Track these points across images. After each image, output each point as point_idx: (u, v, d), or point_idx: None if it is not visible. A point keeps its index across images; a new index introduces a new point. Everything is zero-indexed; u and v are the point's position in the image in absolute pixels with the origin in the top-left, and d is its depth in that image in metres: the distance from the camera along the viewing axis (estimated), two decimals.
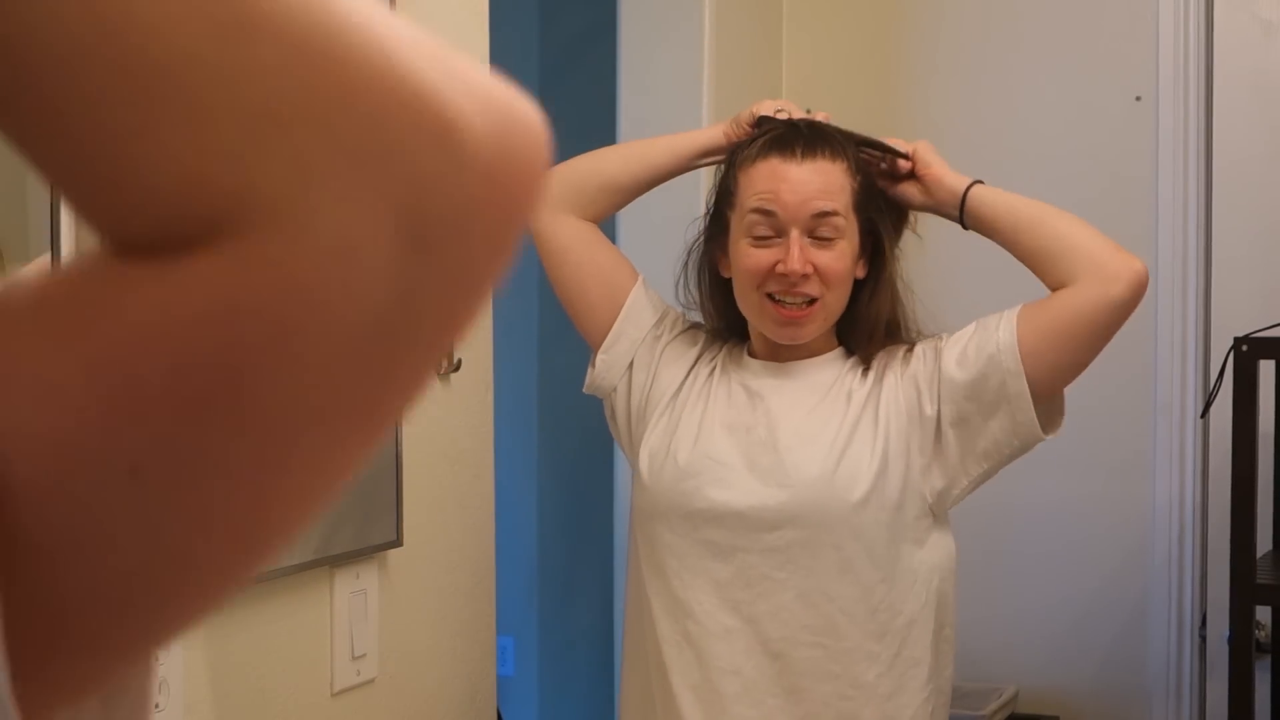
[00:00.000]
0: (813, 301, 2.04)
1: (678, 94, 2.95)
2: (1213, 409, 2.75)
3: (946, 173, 2.13)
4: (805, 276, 2.02)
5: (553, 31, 4.00)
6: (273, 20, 0.45)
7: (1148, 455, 3.04)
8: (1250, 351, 2.58)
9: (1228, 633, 2.58)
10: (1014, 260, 2.11)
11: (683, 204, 2.50)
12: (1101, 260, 2.02)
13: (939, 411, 2.04)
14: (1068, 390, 2.10)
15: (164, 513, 0.46)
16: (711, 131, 2.20)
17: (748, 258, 2.05)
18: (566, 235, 2.16)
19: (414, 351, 0.49)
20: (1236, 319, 2.85)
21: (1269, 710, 2.81)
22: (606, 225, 2.27)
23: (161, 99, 0.44)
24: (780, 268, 2.02)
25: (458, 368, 2.19)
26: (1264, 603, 2.66)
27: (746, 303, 2.09)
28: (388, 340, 0.47)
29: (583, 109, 3.77)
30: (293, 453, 0.48)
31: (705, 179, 2.65)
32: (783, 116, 2.12)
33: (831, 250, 2.03)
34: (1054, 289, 2.04)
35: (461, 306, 0.49)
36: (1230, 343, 2.60)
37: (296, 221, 0.45)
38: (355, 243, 0.46)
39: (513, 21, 3.73)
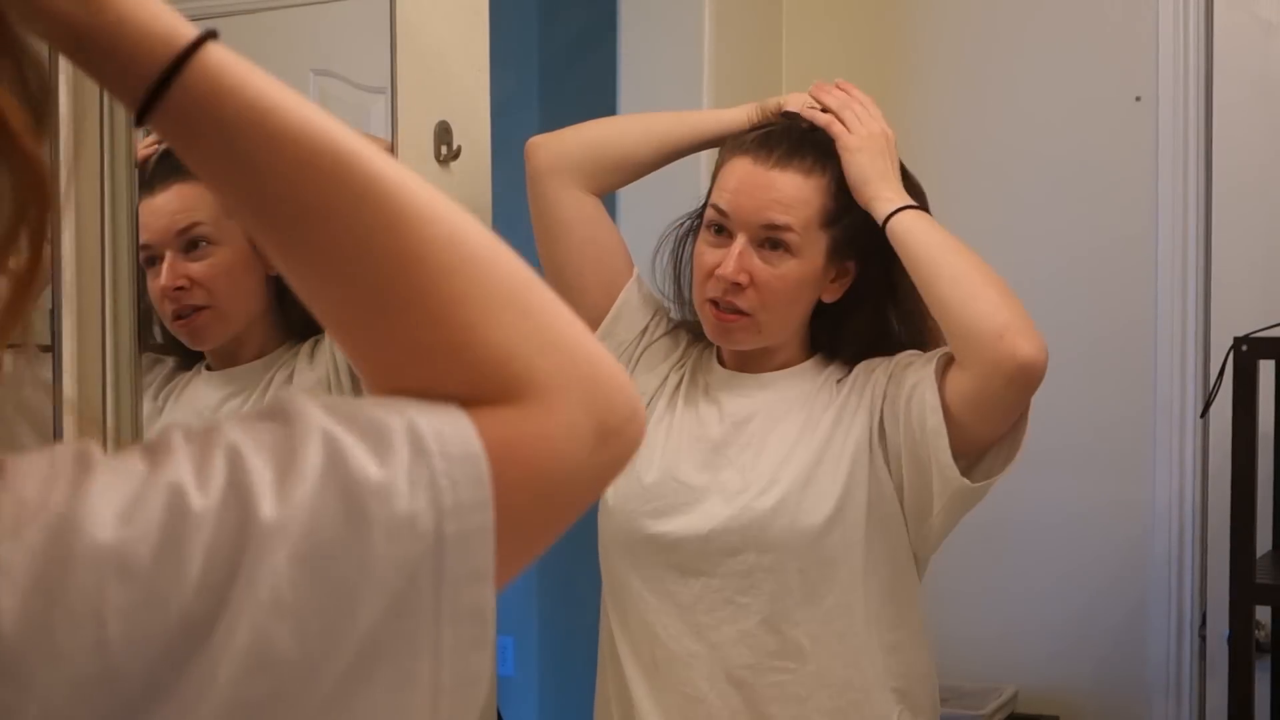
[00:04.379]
0: (745, 314, 1.97)
1: (678, 94, 2.95)
2: (1213, 409, 2.75)
3: (875, 192, 1.97)
4: (739, 286, 1.95)
5: (553, 31, 3.99)
6: (541, 284, 0.79)
7: (1148, 455, 3.04)
8: (1250, 351, 2.57)
9: (1227, 632, 2.58)
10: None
11: (687, 189, 2.48)
12: (981, 349, 1.87)
13: (900, 442, 1.96)
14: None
15: None
16: (737, 115, 2.10)
17: (698, 255, 2.01)
18: (572, 209, 2.07)
19: (577, 503, 0.80)
20: (1236, 319, 2.85)
21: (1269, 710, 2.81)
22: (608, 206, 2.22)
23: (492, 316, 0.76)
24: (717, 270, 1.96)
25: None
26: (1264, 603, 2.66)
27: (697, 303, 2.03)
28: (573, 490, 0.78)
29: (583, 109, 3.76)
30: (505, 542, 0.75)
31: (707, 163, 2.64)
32: (823, 105, 2.05)
33: (776, 266, 1.95)
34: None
35: (604, 484, 0.81)
36: (1230, 343, 2.60)
37: (553, 406, 0.76)
38: (577, 427, 0.77)
39: (513, 21, 3.73)
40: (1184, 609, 3.02)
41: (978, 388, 1.89)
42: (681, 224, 2.12)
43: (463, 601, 0.72)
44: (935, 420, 1.91)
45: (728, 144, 2.05)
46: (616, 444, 0.79)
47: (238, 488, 0.69)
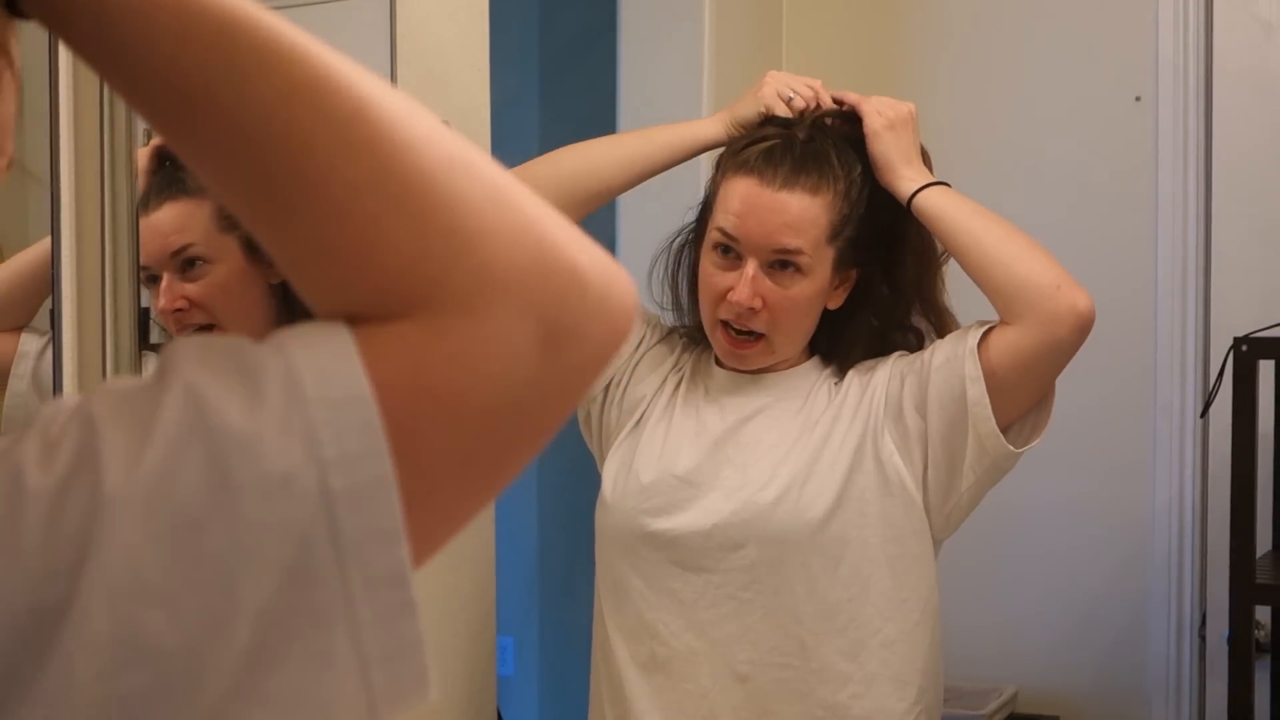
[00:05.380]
0: (759, 336, 1.99)
1: (678, 94, 2.95)
2: (1212, 409, 2.75)
3: (899, 173, 2.02)
4: (753, 310, 1.97)
5: (553, 31, 3.99)
6: (480, 163, 0.66)
7: (1148, 455, 3.04)
8: (1250, 351, 2.57)
9: (1227, 633, 2.58)
10: None
11: (687, 190, 2.48)
12: (1041, 302, 1.92)
13: (925, 424, 1.98)
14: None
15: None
16: (712, 127, 2.11)
17: (708, 278, 2.01)
18: None
19: (531, 425, 0.67)
20: (1236, 319, 2.85)
21: (1269, 710, 2.81)
22: (607, 207, 2.21)
23: (399, 206, 0.64)
24: (730, 296, 1.97)
25: None
26: (1264, 603, 2.66)
27: (705, 321, 2.04)
28: (518, 411, 0.66)
29: (583, 109, 3.76)
30: (441, 487, 0.65)
31: (706, 165, 2.64)
32: (798, 103, 2.05)
33: (788, 287, 1.97)
34: (1001, 318, 1.97)
35: (568, 397, 0.68)
36: (1230, 343, 2.60)
37: (476, 311, 0.64)
38: (511, 334, 0.64)
39: (513, 21, 3.73)
40: (1184, 609, 3.02)
41: (1035, 343, 1.93)
42: (674, 239, 2.12)
43: (373, 566, 0.62)
44: (977, 390, 1.93)
45: (728, 160, 2.04)
46: (578, 346, 0.66)
47: (86, 460, 0.61)
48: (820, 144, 2.01)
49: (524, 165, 2.11)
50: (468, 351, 0.64)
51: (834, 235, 1.98)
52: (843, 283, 2.03)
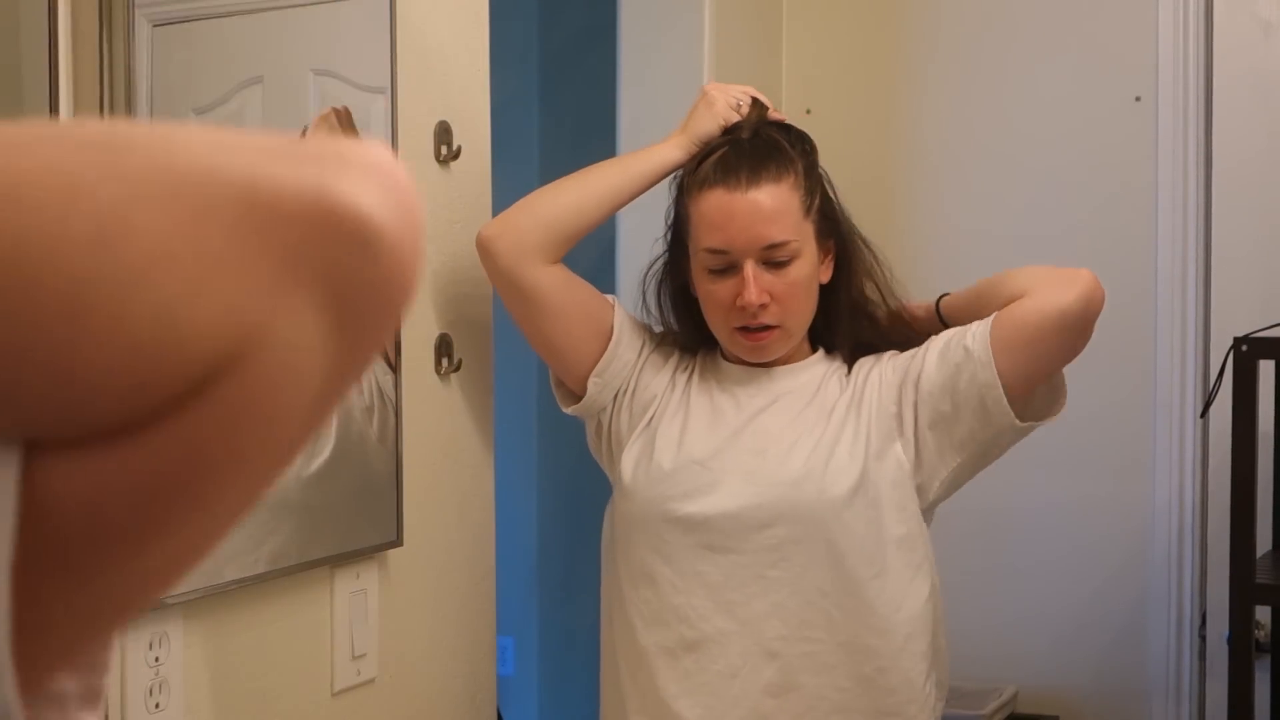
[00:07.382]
0: (774, 325, 2.07)
1: (678, 94, 2.94)
2: (1212, 409, 2.75)
3: (918, 313, 2.20)
4: (763, 306, 2.04)
5: (553, 31, 4.00)
6: (152, 198, 0.52)
7: (1147, 455, 3.04)
8: (1250, 351, 2.58)
9: (1227, 633, 2.58)
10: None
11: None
12: (1052, 276, 2.06)
13: (916, 414, 2.06)
14: (1068, 386, 2.11)
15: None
16: (673, 151, 2.13)
17: (710, 294, 2.08)
18: (544, 285, 2.10)
19: (330, 402, 0.57)
20: (1236, 319, 2.85)
21: (1269, 710, 2.81)
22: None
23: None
24: (739, 300, 2.04)
25: (458, 368, 2.18)
26: (1264, 603, 2.67)
27: (717, 331, 2.11)
28: (321, 402, 0.56)
29: (583, 109, 3.76)
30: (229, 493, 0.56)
31: None
32: (744, 110, 2.12)
33: (787, 274, 2.05)
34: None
35: (365, 360, 0.58)
36: (1230, 343, 2.60)
37: (254, 353, 0.52)
38: (297, 344, 0.53)
39: (513, 21, 3.73)
40: (1184, 609, 3.02)
41: (1048, 309, 2.06)
42: (646, 273, 2.20)
43: None
44: (983, 353, 2.03)
45: (689, 180, 2.09)
46: (378, 316, 0.56)
47: None
48: (766, 134, 2.09)
49: (502, 215, 2.14)
50: (256, 397, 0.53)
51: (808, 209, 2.07)
52: (826, 254, 2.11)
